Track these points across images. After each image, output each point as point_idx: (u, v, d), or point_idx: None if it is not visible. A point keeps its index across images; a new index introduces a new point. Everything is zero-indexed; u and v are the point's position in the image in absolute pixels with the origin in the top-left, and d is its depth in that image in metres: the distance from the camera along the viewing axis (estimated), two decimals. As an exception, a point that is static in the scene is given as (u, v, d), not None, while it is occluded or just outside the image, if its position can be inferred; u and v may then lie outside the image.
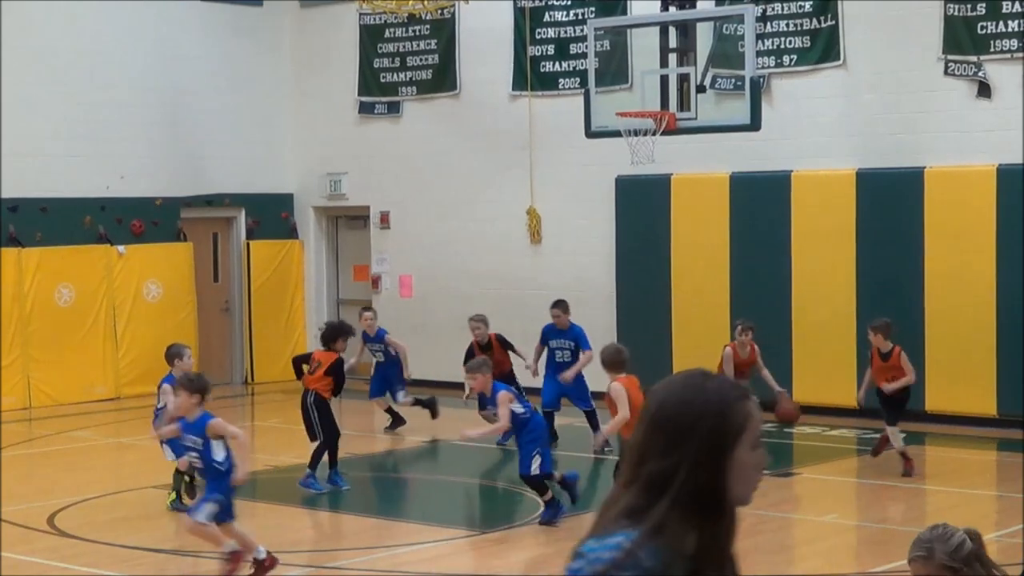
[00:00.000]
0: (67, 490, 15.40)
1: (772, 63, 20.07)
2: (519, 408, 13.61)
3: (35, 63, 22.02)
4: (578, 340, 18.05)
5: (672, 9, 18.47)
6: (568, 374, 17.70)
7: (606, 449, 16.46)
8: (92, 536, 13.10)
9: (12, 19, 21.76)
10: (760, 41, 19.38)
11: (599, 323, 21.74)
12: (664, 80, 17.91)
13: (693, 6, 18.71)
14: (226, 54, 24.28)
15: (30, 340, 21.71)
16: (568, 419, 18.48)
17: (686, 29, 17.96)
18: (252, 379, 24.38)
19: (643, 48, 19.01)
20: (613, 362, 13.68)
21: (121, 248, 22.80)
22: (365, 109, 24.28)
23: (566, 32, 21.99)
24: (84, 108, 22.50)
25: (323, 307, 25.29)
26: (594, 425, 17.50)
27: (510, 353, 18.34)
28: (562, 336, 18.13)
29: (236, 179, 24.36)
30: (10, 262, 21.60)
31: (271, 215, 24.83)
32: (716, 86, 19.19)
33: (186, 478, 14.08)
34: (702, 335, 20.60)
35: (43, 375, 21.84)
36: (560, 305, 18.22)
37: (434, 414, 19.07)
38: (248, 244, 24.51)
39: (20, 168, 21.79)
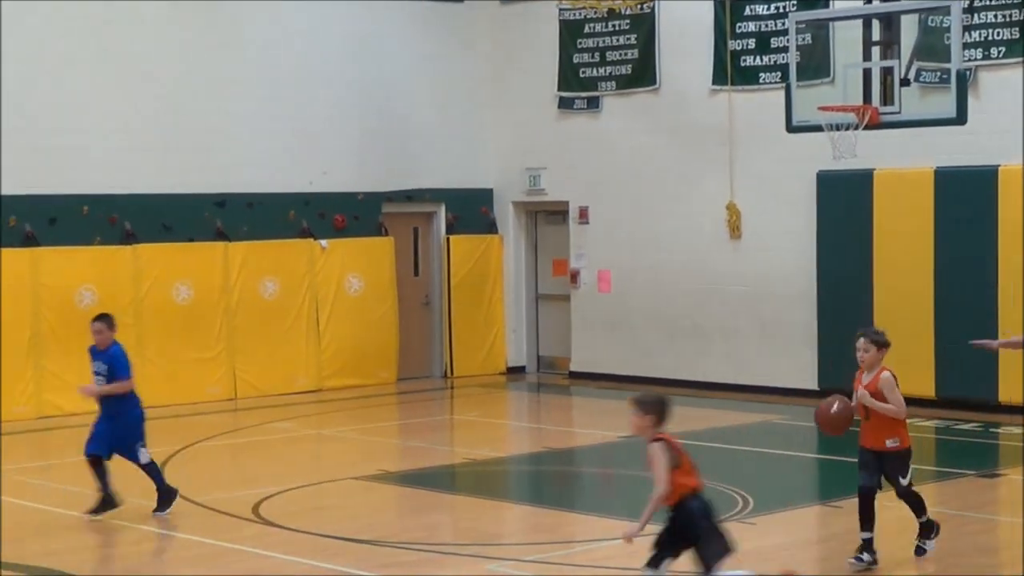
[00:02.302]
0: (270, 480, 15.68)
1: (979, 55, 19.66)
2: None
3: (241, 63, 22.46)
4: (112, 364, 13.74)
5: (876, 1, 18.20)
6: (88, 390, 13.98)
7: None
8: (294, 525, 13.31)
9: (222, 19, 22.22)
10: (967, 33, 18.99)
11: (799, 320, 21.54)
12: (867, 74, 17.64)
13: (897, -2, 18.41)
14: (427, 51, 24.50)
15: (236, 332, 22.15)
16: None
17: (890, 22, 17.66)
18: (451, 372, 24.57)
19: (845, 41, 18.75)
20: None
21: (324, 242, 23.15)
22: (564, 104, 24.33)
23: (767, 26, 21.79)
24: (288, 105, 22.89)
25: (522, 302, 25.40)
26: (159, 484, 13.91)
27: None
28: (98, 358, 13.86)
29: (437, 174, 24.59)
30: (217, 256, 22.05)
31: (471, 210, 25.01)
32: (921, 79, 18.83)
33: None
34: (905, 335, 20.22)
35: (248, 367, 22.26)
36: (104, 319, 13.94)
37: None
38: (448, 239, 24.72)
39: (227, 164, 22.26)
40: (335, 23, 23.45)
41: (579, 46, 24.05)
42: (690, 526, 9.57)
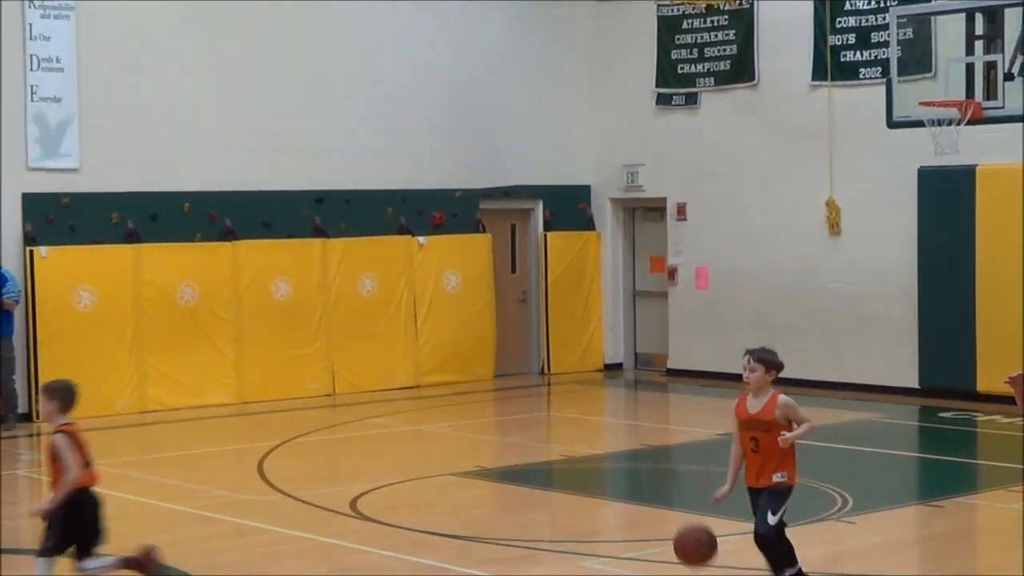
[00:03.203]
0: (368, 475, 15.75)
1: (1084, 49, 19.37)
2: None
3: (339, 61, 22.57)
4: None
5: (978, -5, 18.01)
6: None
7: None
8: (392, 520, 13.35)
9: (321, 19, 22.35)
10: (1072, 27, 18.72)
11: (900, 318, 21.35)
12: (970, 68, 17.47)
13: (1001, -9, 18.20)
14: (525, 47, 24.52)
15: (334, 329, 22.26)
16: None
17: (993, 15, 17.48)
18: (548, 369, 24.57)
19: (948, 35, 18.57)
20: None
21: (422, 239, 23.22)
22: (662, 100, 24.25)
23: (867, 21, 21.60)
24: (386, 102, 22.98)
25: (619, 298, 25.35)
26: None
27: None
28: None
29: (534, 171, 24.59)
30: (315, 252, 22.18)
31: (568, 206, 24.99)
32: (1024, 74, 18.62)
33: None
34: (1008, 333, 20.01)
35: (346, 363, 22.37)
36: None
37: None
38: (545, 235, 24.71)
39: (325, 161, 22.39)
40: (434, 22, 23.51)
41: (677, 42, 23.97)
42: (79, 521, 10.29)
